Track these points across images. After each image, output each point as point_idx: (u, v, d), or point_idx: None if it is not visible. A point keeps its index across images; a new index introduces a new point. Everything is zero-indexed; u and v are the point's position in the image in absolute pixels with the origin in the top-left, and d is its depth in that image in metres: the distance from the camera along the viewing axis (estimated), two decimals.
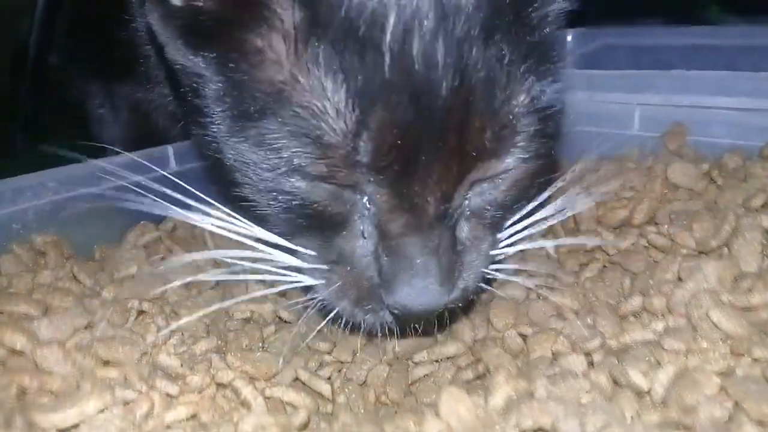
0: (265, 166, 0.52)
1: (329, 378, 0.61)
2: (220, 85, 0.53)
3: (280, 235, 0.57)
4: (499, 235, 0.60)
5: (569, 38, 1.38)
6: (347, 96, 0.48)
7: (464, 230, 0.56)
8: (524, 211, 0.62)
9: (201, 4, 0.52)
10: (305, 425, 0.49)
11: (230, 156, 0.55)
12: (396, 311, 0.54)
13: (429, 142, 0.49)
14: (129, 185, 0.80)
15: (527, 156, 0.54)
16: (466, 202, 0.55)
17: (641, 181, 0.78)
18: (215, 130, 0.55)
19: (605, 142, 0.87)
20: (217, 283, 0.73)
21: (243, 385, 0.52)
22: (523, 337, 0.62)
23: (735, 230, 0.61)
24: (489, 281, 0.62)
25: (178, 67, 0.58)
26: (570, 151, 0.83)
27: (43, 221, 0.74)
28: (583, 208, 0.74)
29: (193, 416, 0.49)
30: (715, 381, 0.46)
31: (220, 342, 0.60)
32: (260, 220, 0.58)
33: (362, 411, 0.59)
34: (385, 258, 0.52)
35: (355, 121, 0.48)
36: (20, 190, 0.73)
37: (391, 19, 0.48)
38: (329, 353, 0.64)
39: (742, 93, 0.81)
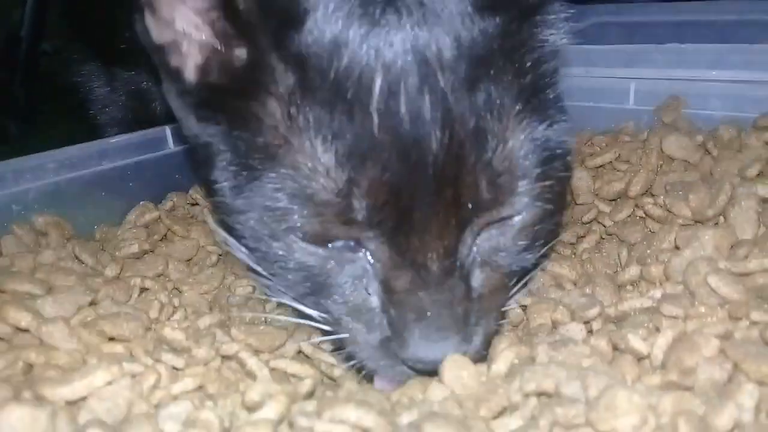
0: (265, 230, 0.53)
1: (333, 351, 0.62)
2: (227, 153, 0.56)
3: (287, 290, 0.58)
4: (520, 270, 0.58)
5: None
6: (337, 156, 0.49)
7: (478, 277, 0.54)
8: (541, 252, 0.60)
9: (211, 79, 0.55)
10: (311, 393, 0.49)
11: (237, 222, 0.56)
12: (411, 366, 0.52)
13: (423, 197, 0.49)
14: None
15: (534, 199, 0.53)
16: (475, 249, 0.54)
17: (637, 154, 0.78)
18: (222, 194, 0.57)
19: (601, 116, 0.88)
20: (218, 259, 0.74)
21: (248, 357, 0.52)
22: (523, 307, 0.63)
23: (731, 199, 0.62)
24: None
25: (191, 136, 0.61)
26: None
27: (44, 202, 0.74)
28: (580, 181, 0.75)
29: (200, 387, 0.49)
30: (714, 343, 0.46)
31: (223, 317, 0.61)
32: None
33: (365, 380, 0.60)
34: (394, 312, 0.51)
35: (346, 179, 0.49)
36: (20, 172, 0.73)
37: (378, 81, 0.49)
38: None
39: (736, 65, 0.82)
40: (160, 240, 0.76)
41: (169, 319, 0.62)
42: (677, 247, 0.61)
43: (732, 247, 0.58)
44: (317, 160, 0.49)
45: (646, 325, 0.53)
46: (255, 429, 0.40)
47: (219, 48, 0.53)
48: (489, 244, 0.54)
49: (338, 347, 0.57)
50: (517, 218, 0.54)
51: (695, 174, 0.71)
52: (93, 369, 0.46)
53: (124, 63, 0.92)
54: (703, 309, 0.52)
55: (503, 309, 0.57)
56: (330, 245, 0.52)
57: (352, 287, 0.53)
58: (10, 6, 2.19)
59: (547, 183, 0.54)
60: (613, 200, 0.76)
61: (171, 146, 0.84)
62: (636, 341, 0.50)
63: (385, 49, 0.50)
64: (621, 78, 0.88)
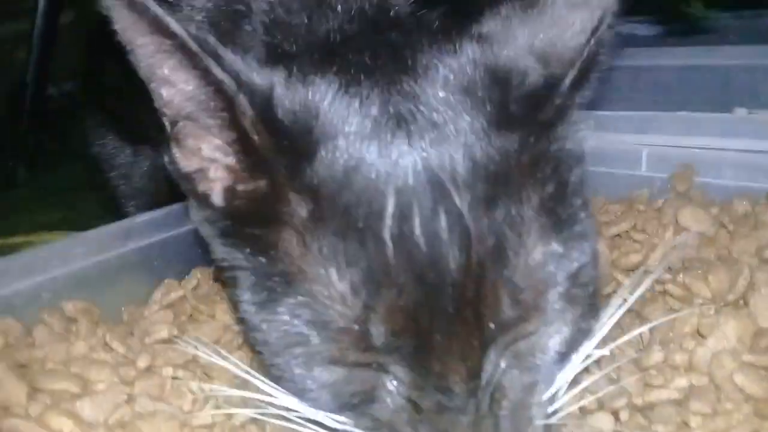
0: (284, 349, 0.54)
1: None
2: (250, 275, 0.56)
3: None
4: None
5: None
6: (352, 284, 0.49)
7: (508, 396, 0.52)
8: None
9: (236, 204, 0.56)
10: None
11: (259, 337, 0.57)
12: None
13: (443, 320, 0.49)
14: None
15: (562, 310, 0.53)
16: (501, 368, 0.52)
17: (652, 225, 0.80)
18: (245, 311, 0.58)
19: (613, 182, 0.90)
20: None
21: None
22: None
23: (750, 284, 0.63)
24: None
25: (218, 260, 0.61)
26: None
27: (72, 287, 0.75)
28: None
29: None
30: None
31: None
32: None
33: None
34: (423, 429, 0.50)
35: (362, 306, 0.49)
36: (48, 258, 0.75)
37: (389, 205, 0.50)
38: None
39: (748, 135, 0.83)
40: (187, 320, 0.78)
41: (201, 410, 0.63)
42: (700, 334, 0.62)
43: (754, 335, 0.60)
44: (332, 289, 0.50)
45: (674, 419, 0.55)
46: None
47: (245, 176, 0.55)
48: (518, 358, 0.53)
49: None
50: (545, 330, 0.54)
51: (712, 249, 0.73)
52: None
53: (148, 140, 0.93)
54: (729, 405, 0.54)
55: (545, 422, 0.55)
56: (350, 368, 0.52)
57: (378, 406, 0.53)
58: (15, 50, 2.22)
59: (577, 289, 0.54)
60: (631, 271, 0.77)
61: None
62: None
63: (396, 172, 0.51)
64: (633, 144, 0.90)
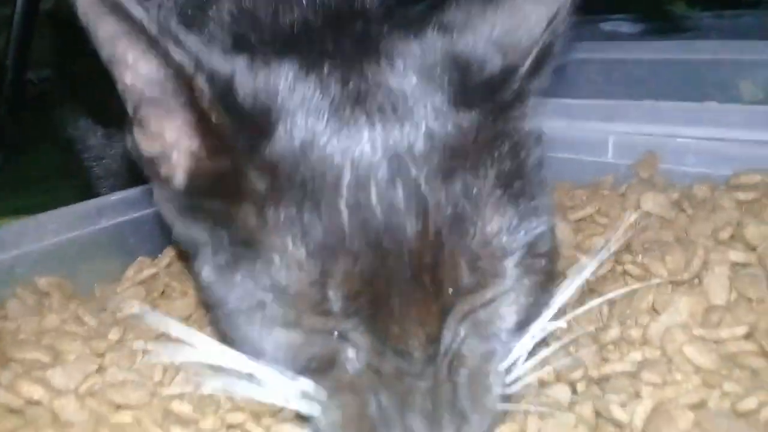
0: (243, 317, 0.56)
1: None
2: (209, 247, 0.59)
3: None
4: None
5: None
6: (307, 250, 0.51)
7: (467, 363, 0.54)
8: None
9: (198, 184, 0.58)
10: None
11: (218, 307, 0.59)
12: None
13: (401, 286, 0.50)
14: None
15: (520, 277, 0.56)
16: (460, 335, 0.54)
17: (615, 209, 0.82)
18: (205, 282, 0.60)
19: (580, 168, 0.92)
20: None
21: (254, 427, 0.55)
22: None
23: (704, 263, 0.65)
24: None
25: (179, 235, 0.63)
26: (547, 177, 0.88)
27: (45, 263, 0.76)
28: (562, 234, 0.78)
29: None
30: (689, 416, 0.50)
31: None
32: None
33: None
34: (382, 397, 0.52)
35: (318, 271, 0.51)
36: (23, 234, 0.76)
37: (346, 176, 0.52)
38: None
39: (711, 123, 0.86)
40: (159, 296, 0.79)
41: (171, 383, 0.64)
42: (655, 310, 0.64)
43: (705, 311, 0.62)
44: (289, 255, 0.52)
45: (628, 389, 0.57)
46: None
47: (205, 157, 0.57)
48: (477, 326, 0.55)
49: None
50: (503, 298, 0.56)
51: (670, 232, 0.75)
52: None
53: (119, 122, 0.94)
54: (679, 376, 0.56)
55: (503, 391, 0.56)
56: (310, 333, 0.54)
57: (338, 371, 0.54)
58: None
59: (533, 260, 0.56)
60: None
61: None
62: (617, 410, 0.53)
63: (353, 147, 0.53)
64: (600, 132, 0.92)
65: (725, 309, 0.61)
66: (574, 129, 0.95)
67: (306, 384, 0.55)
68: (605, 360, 0.63)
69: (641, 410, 0.53)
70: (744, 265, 0.65)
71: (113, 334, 0.68)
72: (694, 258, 0.66)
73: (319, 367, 0.55)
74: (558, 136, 0.94)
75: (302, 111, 0.54)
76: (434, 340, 0.52)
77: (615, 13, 1.93)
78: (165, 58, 0.52)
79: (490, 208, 0.54)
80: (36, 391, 0.56)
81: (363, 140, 0.53)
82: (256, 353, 0.56)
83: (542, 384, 0.62)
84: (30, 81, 2.11)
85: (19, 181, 1.80)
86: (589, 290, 0.76)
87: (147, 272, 0.81)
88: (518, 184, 0.56)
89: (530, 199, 0.57)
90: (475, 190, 0.53)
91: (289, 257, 0.52)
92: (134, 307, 0.73)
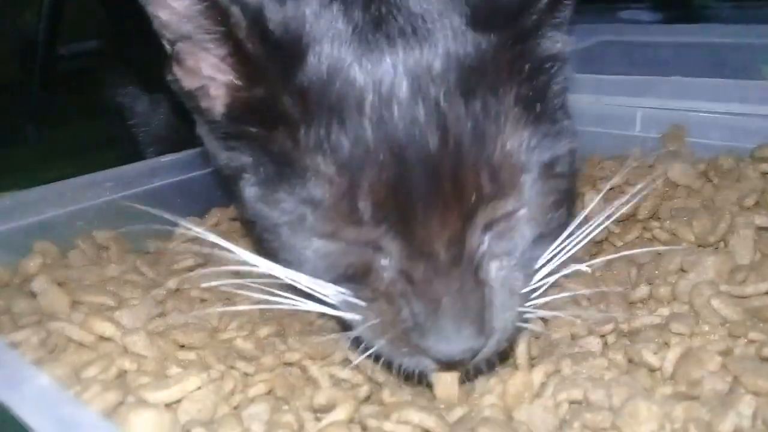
0: (285, 232, 0.60)
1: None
2: (250, 173, 0.63)
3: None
4: (535, 269, 0.62)
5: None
6: (337, 167, 0.55)
7: (491, 272, 0.58)
8: (558, 242, 0.63)
9: (236, 114, 0.62)
10: (368, 398, 0.57)
11: (262, 228, 0.63)
12: (431, 356, 0.55)
13: (424, 193, 0.54)
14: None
15: (539, 193, 0.59)
16: (484, 245, 0.58)
17: (644, 179, 0.86)
18: (248, 207, 0.64)
19: (610, 142, 0.96)
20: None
21: (310, 364, 0.59)
22: (544, 321, 0.70)
23: (730, 227, 0.69)
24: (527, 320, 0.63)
25: (222, 166, 0.68)
26: (577, 150, 0.91)
27: (102, 218, 0.81)
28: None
29: (270, 391, 0.56)
30: (717, 359, 0.54)
31: (278, 327, 0.68)
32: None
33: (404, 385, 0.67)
34: (414, 301, 0.55)
35: (347, 184, 0.55)
36: (81, 190, 0.80)
37: (369, 96, 0.56)
38: None
39: (734, 99, 0.89)
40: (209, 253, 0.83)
41: (227, 328, 0.68)
42: (683, 270, 0.68)
43: (731, 271, 0.66)
44: (321, 172, 0.56)
45: (656, 340, 0.61)
46: (332, 429, 0.48)
47: (241, 87, 0.61)
48: (501, 239, 0.59)
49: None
50: (523, 211, 0.59)
51: (697, 200, 0.79)
52: (185, 375, 0.53)
53: (164, 88, 0.98)
54: (706, 327, 0.60)
55: (523, 310, 0.60)
56: (346, 242, 0.58)
57: (374, 278, 0.58)
58: (25, 9, 2.25)
59: (552, 179, 0.60)
60: (622, 221, 0.83)
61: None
62: (649, 355, 0.57)
63: (376, 69, 0.57)
64: (628, 106, 0.96)
65: (750, 268, 0.65)
66: (603, 103, 0.98)
67: (345, 292, 0.59)
68: (634, 315, 0.67)
69: (671, 356, 0.57)
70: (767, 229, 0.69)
71: (171, 283, 0.73)
72: (720, 222, 0.70)
73: (356, 276, 0.59)
74: (588, 111, 0.98)
75: (328, 38, 0.58)
76: (458, 242, 0.55)
77: (636, 1, 1.96)
78: None
79: (510, 126, 0.57)
80: (108, 328, 0.60)
81: (385, 63, 0.57)
82: (299, 265, 0.61)
83: (574, 337, 0.66)
84: (61, 56, 2.16)
85: (50, 153, 1.85)
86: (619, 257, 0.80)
87: (197, 230, 0.85)
88: (539, 106, 0.60)
89: (551, 122, 0.61)
90: (494, 108, 0.57)
91: (321, 174, 0.56)
92: (189, 260, 0.77)
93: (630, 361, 0.59)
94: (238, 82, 0.61)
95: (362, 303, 0.59)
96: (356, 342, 0.61)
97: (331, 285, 0.60)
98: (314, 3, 0.60)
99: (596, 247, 0.81)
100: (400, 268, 0.56)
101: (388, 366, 0.61)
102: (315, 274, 0.60)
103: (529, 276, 0.61)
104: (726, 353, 0.56)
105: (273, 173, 0.60)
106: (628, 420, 0.47)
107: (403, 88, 0.56)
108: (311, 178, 0.57)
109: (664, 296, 0.67)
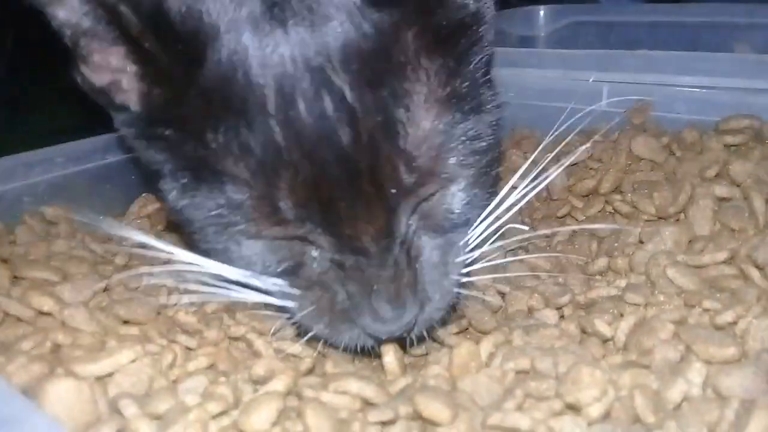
0: (211, 232, 0.59)
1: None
2: (168, 171, 0.60)
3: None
4: (469, 236, 0.62)
5: (541, 14, 1.45)
6: (251, 168, 0.53)
7: (421, 247, 0.58)
8: (491, 206, 0.64)
9: (149, 109, 0.59)
10: (311, 370, 0.55)
11: (188, 225, 0.62)
12: (369, 333, 0.57)
13: (344, 190, 0.53)
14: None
15: (463, 169, 0.58)
16: (413, 226, 0.58)
17: (608, 154, 0.84)
18: (170, 202, 0.62)
19: (576, 117, 0.94)
20: None
21: (255, 338, 0.58)
22: (502, 294, 0.69)
23: (690, 198, 0.68)
24: (465, 285, 0.63)
25: (144, 160, 0.65)
26: (544, 124, 0.89)
27: (53, 194, 0.78)
28: (556, 179, 0.81)
29: (211, 365, 0.55)
30: (670, 327, 0.53)
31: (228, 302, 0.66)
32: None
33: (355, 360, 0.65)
34: (347, 285, 0.56)
35: (264, 188, 0.53)
36: (30, 165, 0.78)
37: (271, 95, 0.53)
38: None
39: (701, 72, 0.88)
40: (163, 230, 0.81)
41: (176, 304, 0.67)
42: (641, 242, 0.67)
43: (690, 242, 0.65)
44: (235, 175, 0.54)
45: (611, 311, 0.60)
46: (267, 399, 0.46)
47: (146, 87, 0.58)
48: (428, 214, 0.58)
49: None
50: (447, 191, 0.58)
51: (660, 174, 0.77)
52: (118, 348, 0.51)
53: None
54: (662, 297, 0.59)
55: (463, 273, 0.61)
56: (274, 239, 0.57)
57: (307, 269, 0.58)
58: None
59: (476, 153, 0.58)
60: (586, 196, 0.82)
61: None
62: (601, 325, 0.56)
63: (274, 63, 0.54)
64: (595, 81, 0.94)
65: (709, 239, 0.64)
66: (569, 78, 0.96)
67: (280, 283, 0.59)
68: (591, 287, 0.65)
69: (624, 325, 0.55)
70: (728, 199, 0.68)
71: (119, 259, 0.71)
72: (681, 194, 0.69)
73: (290, 269, 0.58)
74: (554, 86, 0.96)
75: (225, 30, 0.55)
76: (386, 235, 0.54)
77: None
78: None
79: (423, 108, 0.55)
80: (46, 303, 0.58)
81: (284, 55, 0.53)
82: (230, 262, 0.60)
83: (531, 309, 0.65)
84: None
85: (21, 141, 1.82)
86: (580, 231, 0.79)
87: (151, 207, 0.83)
88: (456, 82, 0.57)
89: (471, 96, 0.58)
90: (403, 92, 0.54)
91: (236, 178, 0.54)
92: (140, 236, 0.75)
93: (583, 331, 0.58)
94: (144, 78, 0.58)
95: (297, 291, 0.59)
96: (297, 326, 0.61)
97: (264, 277, 0.60)
98: None
99: (558, 222, 0.80)
100: (331, 258, 0.56)
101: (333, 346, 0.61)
102: (248, 268, 0.60)
103: (464, 244, 0.61)
104: (680, 322, 0.55)
105: (190, 176, 0.58)
106: (570, 387, 0.45)
107: (306, 82, 0.53)
108: (228, 182, 0.55)
109: (622, 267, 0.66)
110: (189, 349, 0.57)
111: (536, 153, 0.72)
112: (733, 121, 0.79)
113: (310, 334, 0.59)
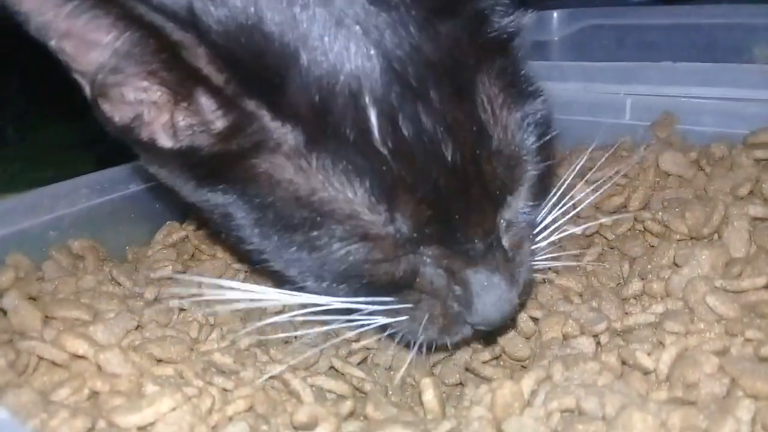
0: (325, 266, 0.57)
1: (359, 364, 0.67)
2: (249, 212, 0.58)
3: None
4: (535, 231, 0.66)
5: (555, 18, 1.44)
6: (368, 193, 0.53)
7: (508, 240, 0.61)
8: (548, 204, 0.67)
9: (200, 143, 0.56)
10: (352, 413, 0.54)
11: (281, 262, 0.60)
12: (481, 327, 0.60)
13: (457, 201, 0.55)
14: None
15: (535, 165, 0.60)
16: (504, 223, 0.61)
17: (634, 169, 0.84)
18: (260, 247, 0.60)
19: (599, 131, 0.93)
20: (245, 276, 0.78)
21: (292, 377, 0.57)
22: (534, 320, 0.68)
23: (724, 218, 0.67)
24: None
25: (198, 203, 0.63)
26: (566, 140, 0.89)
27: (78, 226, 0.78)
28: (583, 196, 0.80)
29: (250, 408, 0.54)
30: (714, 360, 0.52)
31: (259, 336, 0.66)
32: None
33: (391, 393, 0.65)
34: (459, 289, 0.58)
35: (386, 210, 0.54)
36: (55, 198, 0.77)
37: (373, 118, 0.52)
38: (356, 341, 0.69)
39: (726, 83, 0.87)
40: (189, 259, 0.81)
41: (207, 339, 0.66)
42: (676, 264, 0.66)
43: (726, 265, 0.64)
44: (354, 203, 0.54)
45: (650, 340, 0.59)
46: None
47: (183, 108, 0.56)
48: (510, 211, 0.61)
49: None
50: (525, 179, 0.61)
51: (690, 190, 0.76)
52: (159, 396, 0.50)
53: None
54: (702, 325, 0.58)
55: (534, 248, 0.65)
56: (388, 262, 0.58)
57: (420, 280, 0.59)
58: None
59: (542, 148, 0.60)
60: (613, 212, 0.81)
61: None
62: (643, 357, 0.55)
63: (368, 82, 0.53)
64: (617, 94, 0.93)
65: (745, 261, 0.63)
66: (592, 91, 0.96)
67: (387, 300, 0.60)
68: (627, 314, 0.65)
69: (666, 357, 0.55)
70: (763, 219, 0.67)
71: (149, 294, 0.70)
72: (714, 213, 0.68)
73: (404, 282, 0.59)
74: (576, 99, 0.95)
75: (306, 48, 0.53)
76: (491, 234, 0.58)
77: None
78: (132, 22, 0.50)
79: (501, 110, 0.57)
80: (81, 346, 0.58)
81: (375, 71, 0.53)
82: (327, 293, 0.60)
83: (566, 337, 0.64)
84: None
85: (32, 154, 1.81)
86: (609, 248, 0.78)
87: (176, 236, 0.82)
88: (513, 79, 0.60)
89: (525, 86, 0.61)
90: (480, 97, 0.56)
91: (352, 203, 0.54)
92: (167, 268, 0.75)
93: (624, 363, 0.57)
94: (197, 113, 0.55)
95: (408, 305, 0.60)
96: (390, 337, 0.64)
97: (365, 297, 0.60)
98: (275, 11, 0.53)
99: (587, 240, 0.79)
100: (442, 266, 0.58)
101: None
102: (349, 294, 0.60)
103: (534, 235, 0.65)
104: (722, 353, 0.54)
105: (277, 214, 0.56)
106: (621, 431, 0.44)
107: (401, 101, 0.53)
108: (341, 211, 0.54)
109: (658, 292, 0.65)
110: (226, 390, 0.56)
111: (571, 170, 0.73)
112: (762, 134, 0.78)
113: (417, 344, 0.61)
